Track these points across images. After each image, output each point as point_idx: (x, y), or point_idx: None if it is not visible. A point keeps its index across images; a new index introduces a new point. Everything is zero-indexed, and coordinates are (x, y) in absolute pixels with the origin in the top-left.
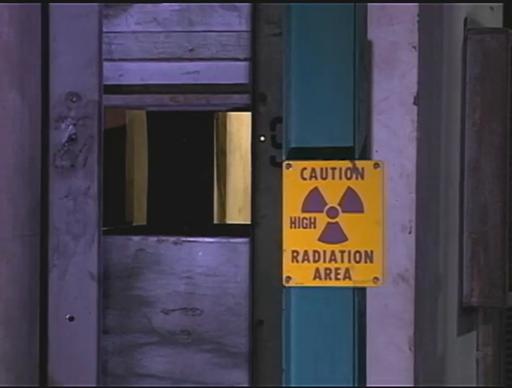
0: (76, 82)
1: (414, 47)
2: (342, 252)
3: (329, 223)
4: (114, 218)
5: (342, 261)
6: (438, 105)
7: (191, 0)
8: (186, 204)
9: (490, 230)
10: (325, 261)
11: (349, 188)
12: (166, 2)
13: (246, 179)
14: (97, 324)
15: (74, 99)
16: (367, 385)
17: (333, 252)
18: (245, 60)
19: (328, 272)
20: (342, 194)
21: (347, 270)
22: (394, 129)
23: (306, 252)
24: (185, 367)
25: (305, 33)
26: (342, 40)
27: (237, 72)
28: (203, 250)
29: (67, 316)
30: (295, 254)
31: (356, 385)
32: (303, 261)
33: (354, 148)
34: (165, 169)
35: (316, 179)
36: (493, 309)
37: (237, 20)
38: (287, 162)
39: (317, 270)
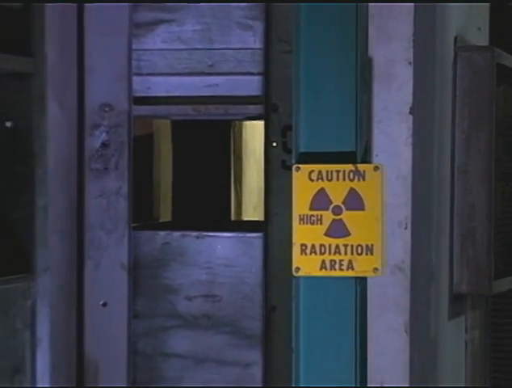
0: (108, 94)
1: (410, 63)
2: (346, 246)
3: (333, 220)
4: (142, 215)
5: (346, 254)
6: (431, 114)
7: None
8: (207, 203)
9: (477, 227)
10: (330, 254)
11: (351, 189)
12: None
13: (260, 181)
14: (127, 309)
15: (107, 109)
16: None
17: (337, 246)
18: (258, 74)
19: (333, 263)
20: (345, 194)
21: (350, 261)
22: (392, 136)
23: (313, 246)
24: (206, 347)
25: (312, 50)
26: (346, 56)
27: (251, 85)
28: (221, 244)
29: (101, 302)
30: (303, 247)
31: (358, 363)
32: (310, 253)
33: (356, 153)
34: (187, 171)
35: (323, 180)
36: (479, 297)
37: (252, 39)
38: (296, 165)
39: (323, 262)
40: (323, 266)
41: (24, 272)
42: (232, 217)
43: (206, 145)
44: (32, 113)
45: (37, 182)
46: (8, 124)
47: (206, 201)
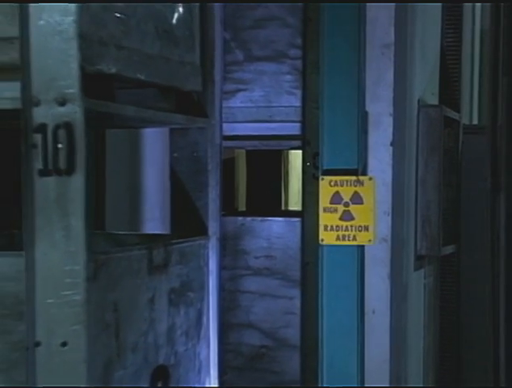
0: None
1: (390, 114)
2: (352, 226)
3: (344, 210)
4: (228, 206)
5: (352, 231)
6: (404, 146)
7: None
8: (267, 199)
9: (431, 215)
10: (342, 231)
11: (355, 191)
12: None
13: (299, 186)
14: (218, 264)
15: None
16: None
17: (346, 226)
18: (299, 122)
19: (344, 236)
20: (351, 194)
21: (354, 236)
22: (379, 159)
23: (332, 226)
24: (266, 287)
25: (331, 108)
26: (352, 111)
27: (294, 128)
28: (276, 224)
29: None
30: (326, 226)
31: (359, 297)
32: (330, 230)
33: (358, 169)
34: (255, 180)
35: (337, 186)
36: (433, 257)
37: (295, 100)
38: (321, 177)
39: (338, 235)
40: (338, 238)
41: (204, 234)
42: (283, 208)
43: (267, 164)
44: (207, 148)
45: (210, 185)
46: (195, 153)
47: (267, 198)
